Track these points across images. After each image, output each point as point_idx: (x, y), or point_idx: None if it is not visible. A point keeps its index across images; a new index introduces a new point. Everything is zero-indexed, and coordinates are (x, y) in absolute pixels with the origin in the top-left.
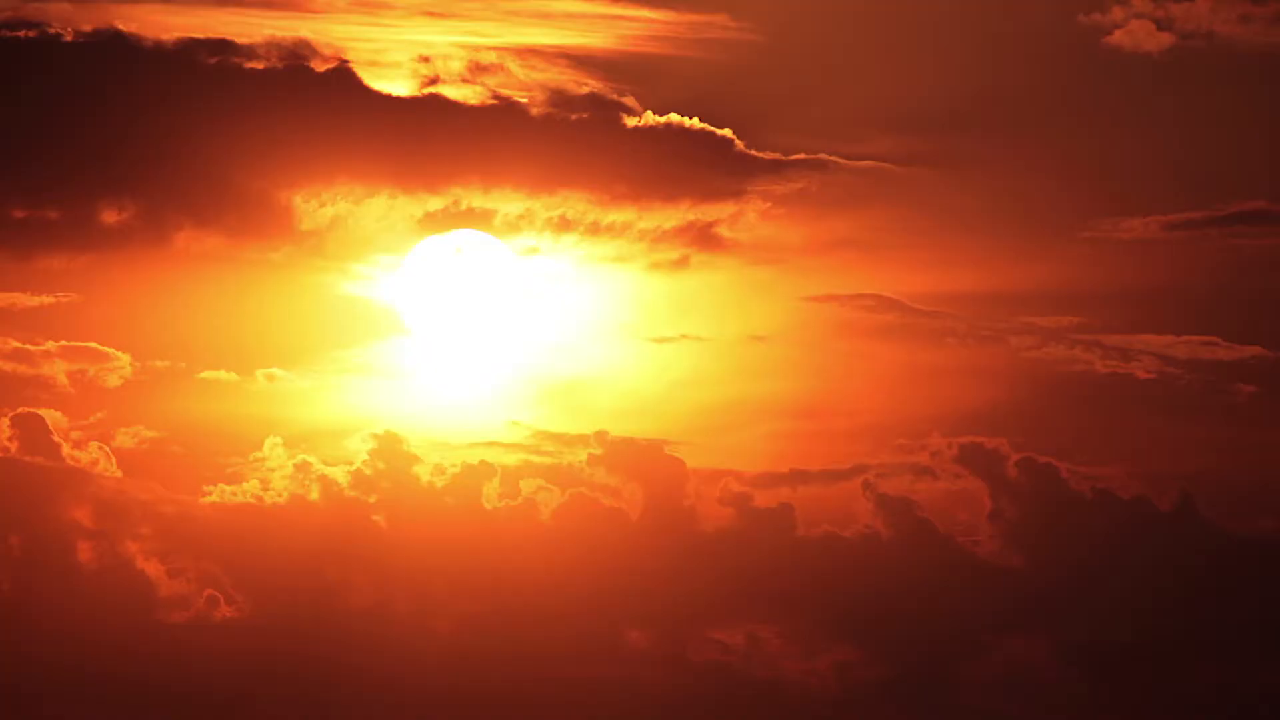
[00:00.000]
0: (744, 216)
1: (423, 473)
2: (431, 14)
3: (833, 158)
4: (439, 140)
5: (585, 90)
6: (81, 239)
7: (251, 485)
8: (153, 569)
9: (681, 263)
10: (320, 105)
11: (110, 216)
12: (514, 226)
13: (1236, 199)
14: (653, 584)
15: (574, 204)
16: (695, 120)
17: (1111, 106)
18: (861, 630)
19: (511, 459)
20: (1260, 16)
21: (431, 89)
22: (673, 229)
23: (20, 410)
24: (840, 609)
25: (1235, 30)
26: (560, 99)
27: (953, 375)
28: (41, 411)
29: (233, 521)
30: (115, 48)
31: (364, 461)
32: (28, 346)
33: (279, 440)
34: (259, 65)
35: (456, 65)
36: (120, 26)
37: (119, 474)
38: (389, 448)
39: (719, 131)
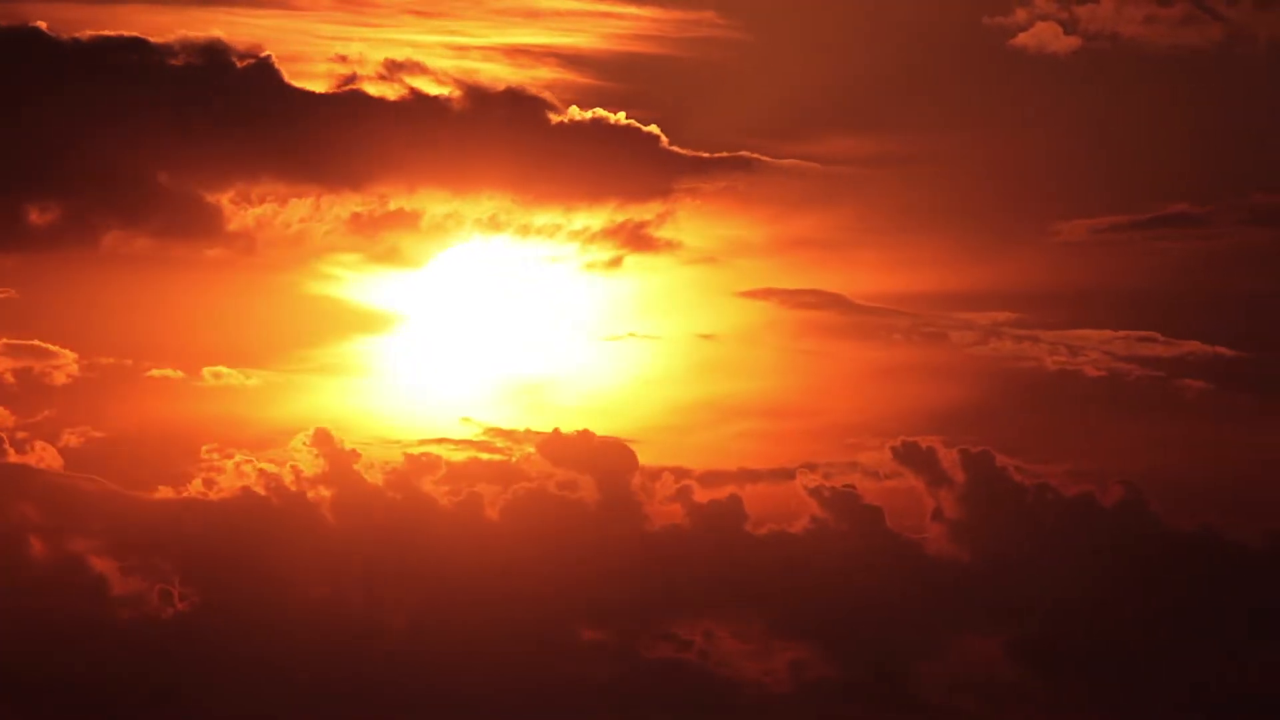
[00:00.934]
0: (673, 215)
1: (362, 469)
2: (418, 13)
3: (756, 155)
4: (360, 139)
5: (502, 86)
6: (9, 238)
7: (196, 484)
8: (103, 566)
9: (615, 263)
10: (240, 103)
11: (36, 217)
12: (441, 227)
13: (1158, 202)
14: (604, 581)
15: (501, 204)
16: (621, 116)
17: (1022, 109)
18: (815, 628)
19: (460, 455)
20: (1165, 18)
21: (350, 87)
22: (603, 230)
23: None
24: (792, 607)
25: (1140, 31)
26: (479, 96)
27: (902, 373)
28: None
29: (181, 518)
30: (33, 45)
31: (302, 458)
32: None
33: (226, 437)
34: (177, 62)
35: (373, 63)
36: (38, 24)
37: (66, 471)
38: (326, 444)
39: (645, 128)
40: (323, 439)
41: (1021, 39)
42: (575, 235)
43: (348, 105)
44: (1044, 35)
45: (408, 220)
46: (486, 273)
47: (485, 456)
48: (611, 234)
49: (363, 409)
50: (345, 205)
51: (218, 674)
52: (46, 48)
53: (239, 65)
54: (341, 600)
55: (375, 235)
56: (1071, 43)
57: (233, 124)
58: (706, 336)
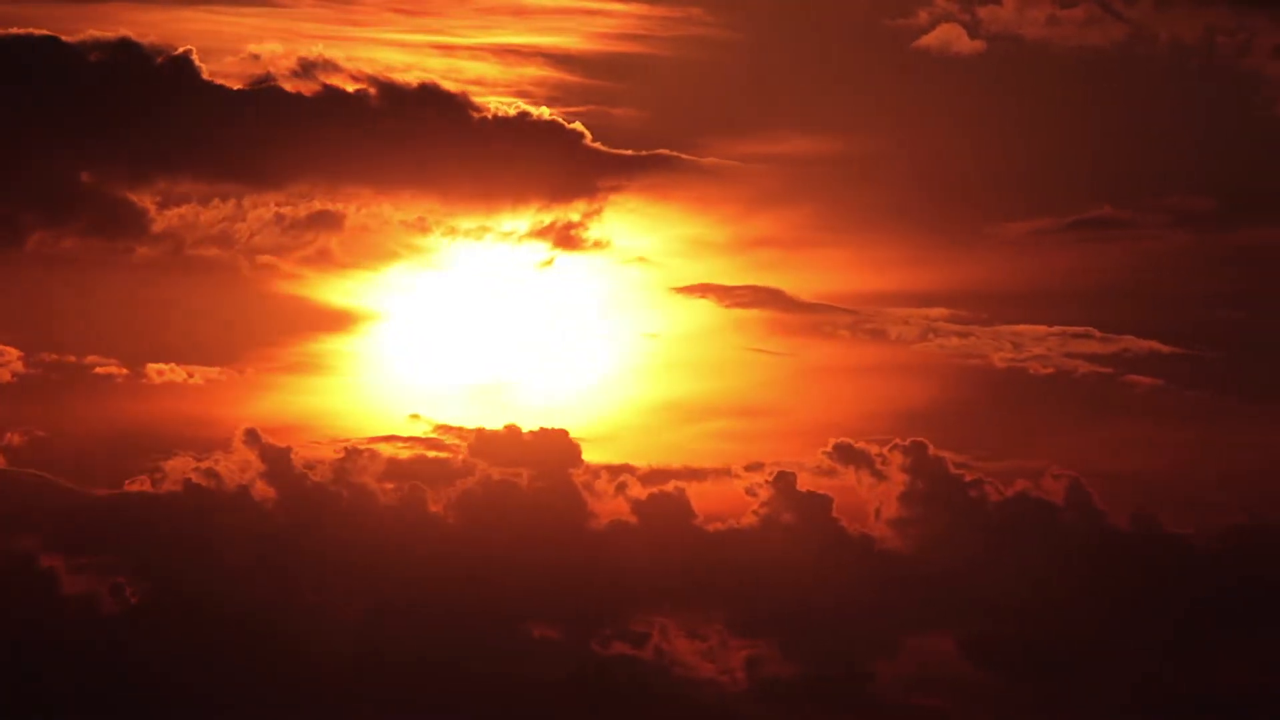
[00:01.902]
0: (599, 215)
1: (299, 466)
2: (403, 11)
3: (676, 153)
4: (277, 137)
5: (418, 82)
6: None
7: (140, 480)
8: (51, 562)
9: (547, 263)
10: (158, 100)
11: None
12: (366, 227)
13: (1082, 204)
14: (552, 577)
15: (425, 204)
16: (545, 111)
17: (937, 111)
18: (769, 626)
19: (406, 452)
20: (1068, 20)
21: (265, 84)
22: (531, 231)
23: None
24: (744, 604)
25: (1044, 33)
26: (394, 93)
27: (848, 370)
28: None
29: (127, 513)
30: None
31: (238, 456)
32: None
33: (170, 435)
34: (93, 59)
35: (287, 60)
36: None
37: (11, 468)
38: (257, 442)
39: (569, 125)
40: (253, 437)
41: (925, 40)
42: (505, 237)
43: (264, 103)
44: (948, 36)
45: (332, 221)
46: (441, 274)
47: (432, 454)
48: (542, 234)
49: (315, 407)
50: (267, 205)
51: (170, 668)
52: None
53: (158, 61)
54: (291, 597)
55: (302, 236)
56: (977, 45)
57: (151, 122)
58: (651, 336)
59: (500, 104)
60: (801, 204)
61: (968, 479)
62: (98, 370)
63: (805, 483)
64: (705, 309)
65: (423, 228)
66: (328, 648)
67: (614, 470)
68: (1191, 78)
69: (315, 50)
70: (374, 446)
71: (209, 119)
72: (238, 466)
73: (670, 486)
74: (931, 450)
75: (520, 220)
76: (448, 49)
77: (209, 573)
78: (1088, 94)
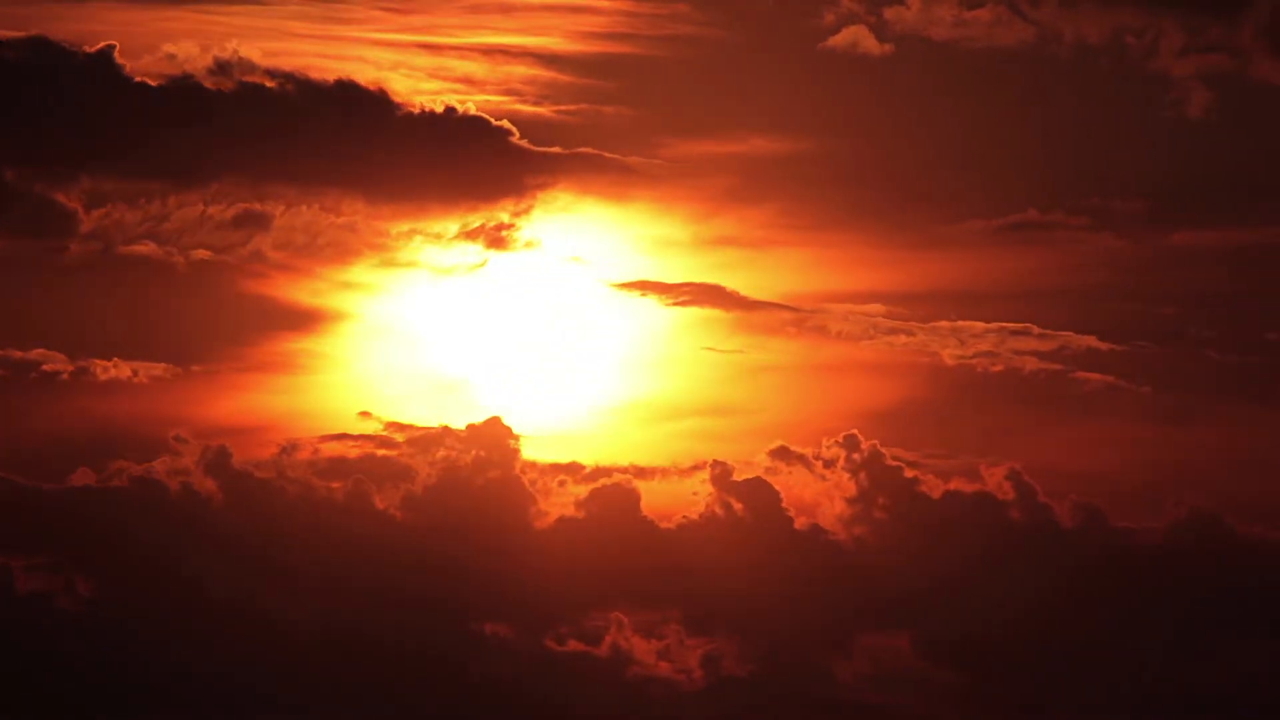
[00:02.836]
0: (528, 214)
1: (240, 464)
2: (391, 10)
3: (599, 152)
4: (197, 135)
5: (333, 79)
6: None
7: (84, 475)
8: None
9: (480, 265)
10: (80, 97)
11: None
12: (294, 226)
13: (1006, 209)
14: (499, 575)
15: (350, 204)
16: (471, 106)
17: (838, 112)
18: (725, 624)
19: (355, 450)
20: (974, 21)
21: (182, 81)
22: (461, 232)
23: None
24: (693, 601)
25: (951, 34)
26: (311, 90)
27: (795, 369)
28: None
29: (76, 509)
30: None
31: (180, 452)
32: None
33: (116, 429)
34: (9, 56)
35: (203, 59)
36: None
37: None
38: (200, 439)
39: (495, 121)
40: (194, 435)
41: (832, 41)
42: (434, 238)
43: (185, 100)
44: (856, 37)
45: (260, 221)
46: (385, 274)
47: (381, 452)
48: (471, 235)
49: (262, 404)
50: (194, 204)
51: (122, 665)
52: None
53: (78, 58)
54: (238, 596)
55: (230, 236)
56: (886, 48)
57: (72, 119)
58: (592, 334)
59: (426, 100)
60: (748, 203)
61: (915, 476)
62: (45, 368)
63: (752, 480)
64: (646, 307)
65: (352, 228)
66: (278, 646)
67: (561, 469)
68: (1101, 79)
69: (230, 47)
70: (321, 445)
71: (131, 117)
72: (181, 464)
73: (617, 483)
74: (880, 448)
75: (450, 222)
76: (435, 48)
77: (156, 570)
78: (998, 96)
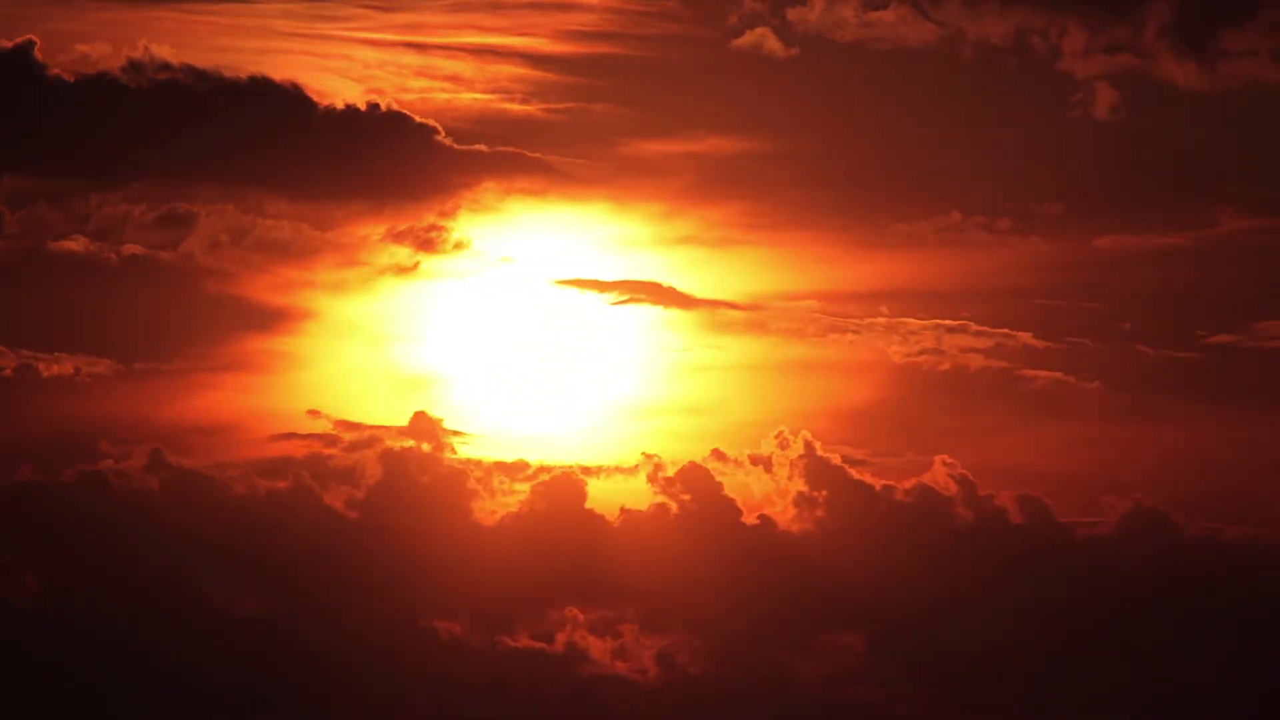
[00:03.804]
0: (456, 214)
1: (173, 459)
2: (377, 7)
3: (521, 151)
4: (121, 134)
5: (248, 75)
6: None
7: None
8: None
9: (413, 269)
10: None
11: None
12: (218, 226)
13: (937, 205)
14: (449, 573)
15: (274, 204)
16: (392, 104)
17: (744, 110)
18: (678, 621)
19: (303, 450)
20: (879, 22)
21: (97, 79)
22: (389, 233)
23: None
24: (648, 599)
25: (857, 35)
26: (227, 87)
27: (739, 368)
28: None
29: (22, 504)
30: None
31: (122, 452)
32: None
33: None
34: None
35: (116, 59)
36: None
37: None
38: (142, 436)
39: (418, 119)
40: (134, 432)
41: (735, 44)
42: (366, 240)
43: (103, 98)
44: (761, 38)
45: (185, 219)
46: (351, 274)
47: (326, 451)
48: (400, 237)
49: (214, 402)
50: (115, 203)
51: (72, 663)
52: None
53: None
54: (184, 594)
55: (152, 235)
56: (790, 47)
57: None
58: (536, 332)
59: (347, 98)
60: (672, 200)
61: (859, 475)
62: None
63: (688, 467)
64: (588, 305)
65: (278, 228)
66: (224, 645)
67: (506, 467)
68: (1009, 80)
69: (142, 45)
70: (268, 444)
71: (50, 114)
72: (125, 463)
73: (560, 478)
74: (816, 447)
75: (377, 223)
76: (421, 47)
77: (101, 566)
78: (909, 98)
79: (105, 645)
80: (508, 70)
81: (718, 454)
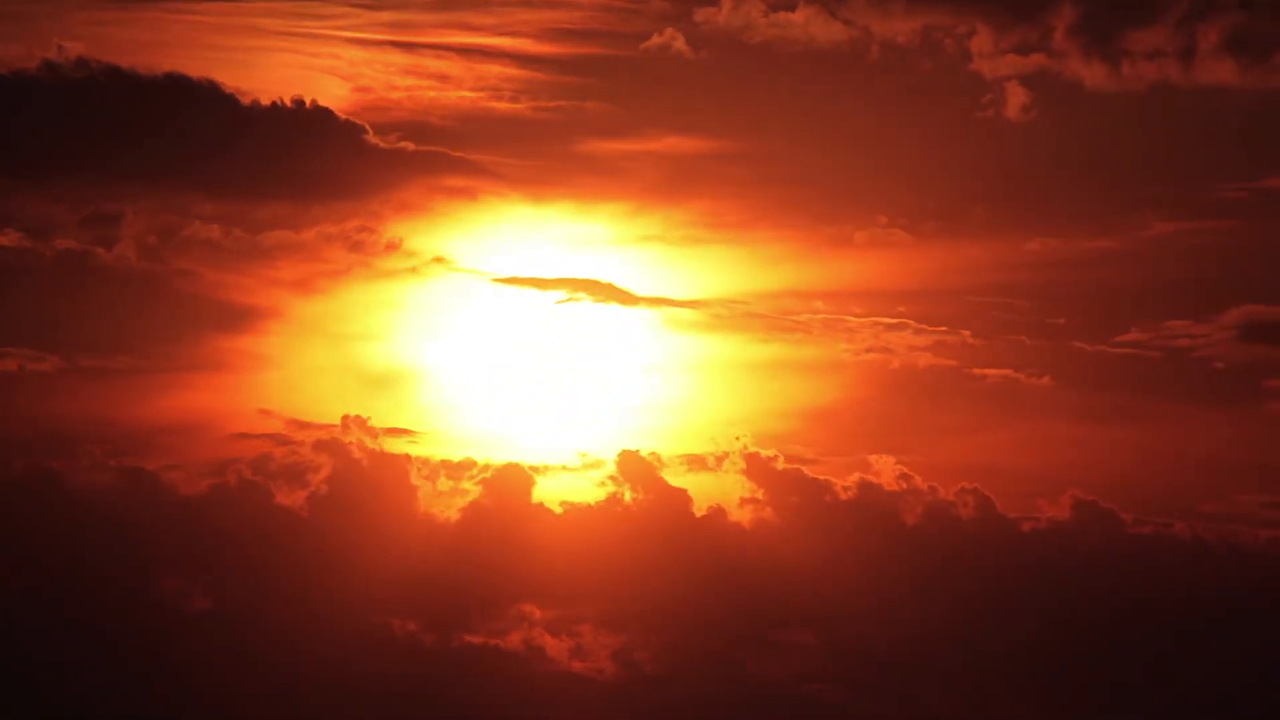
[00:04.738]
0: (383, 216)
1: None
2: (364, 5)
3: (444, 150)
4: (33, 132)
5: (163, 72)
6: None
7: None
8: None
9: (346, 273)
10: None
11: None
12: (146, 226)
13: (857, 214)
14: (401, 571)
15: (198, 204)
16: (318, 101)
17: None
18: (634, 619)
19: (253, 449)
20: (787, 22)
21: (10, 79)
22: (318, 234)
23: None
24: (603, 597)
25: (767, 35)
26: (144, 86)
27: (694, 368)
28: None
29: None
30: None
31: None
32: None
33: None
34: None
35: (28, 56)
36: None
37: None
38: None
39: (343, 117)
40: (81, 428)
41: (649, 44)
42: (302, 247)
43: (13, 96)
44: (670, 39)
45: (111, 218)
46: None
47: (280, 449)
48: (330, 239)
49: (169, 401)
50: (43, 200)
51: (18, 663)
52: None
53: None
54: (134, 593)
55: (82, 231)
56: (701, 53)
57: None
58: (480, 330)
59: (274, 96)
60: (618, 198)
61: (808, 473)
62: None
63: (628, 454)
64: (527, 299)
65: (205, 227)
66: (175, 644)
67: (453, 467)
68: (922, 81)
69: (55, 43)
70: (219, 442)
71: None
72: (76, 461)
73: (506, 472)
74: (775, 446)
75: (305, 222)
76: (408, 47)
77: (49, 563)
78: (821, 99)
79: (56, 643)
80: (495, 69)
81: (661, 457)
